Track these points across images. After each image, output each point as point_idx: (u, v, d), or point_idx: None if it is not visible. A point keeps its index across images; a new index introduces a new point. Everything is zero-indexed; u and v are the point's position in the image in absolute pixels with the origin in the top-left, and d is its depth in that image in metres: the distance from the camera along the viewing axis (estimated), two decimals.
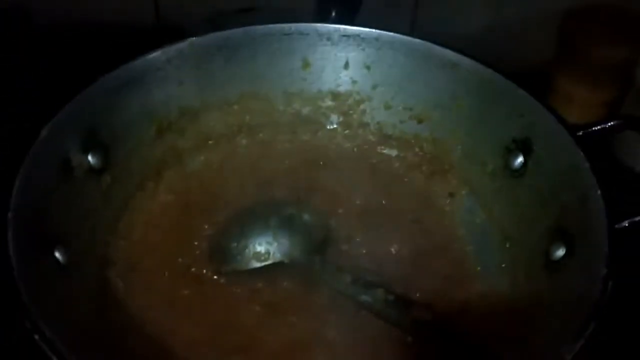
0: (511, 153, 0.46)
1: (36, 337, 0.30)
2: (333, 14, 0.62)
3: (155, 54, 0.48)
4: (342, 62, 0.53)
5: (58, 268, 0.38)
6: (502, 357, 0.36)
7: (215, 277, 0.45)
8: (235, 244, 0.45)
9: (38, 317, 0.31)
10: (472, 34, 0.71)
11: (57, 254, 0.38)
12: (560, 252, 0.39)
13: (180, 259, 0.46)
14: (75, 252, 0.40)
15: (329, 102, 0.54)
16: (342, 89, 0.54)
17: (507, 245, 0.45)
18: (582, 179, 0.40)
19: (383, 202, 0.51)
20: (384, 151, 0.54)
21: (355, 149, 0.55)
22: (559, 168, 0.43)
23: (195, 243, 0.47)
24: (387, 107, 0.53)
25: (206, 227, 0.48)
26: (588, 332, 0.32)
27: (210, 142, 0.53)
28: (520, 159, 0.46)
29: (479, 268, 0.46)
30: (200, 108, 0.52)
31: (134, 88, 0.47)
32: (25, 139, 0.41)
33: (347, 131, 0.55)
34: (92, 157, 0.44)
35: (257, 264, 0.44)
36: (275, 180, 0.52)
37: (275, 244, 0.44)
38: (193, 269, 0.45)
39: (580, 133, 0.42)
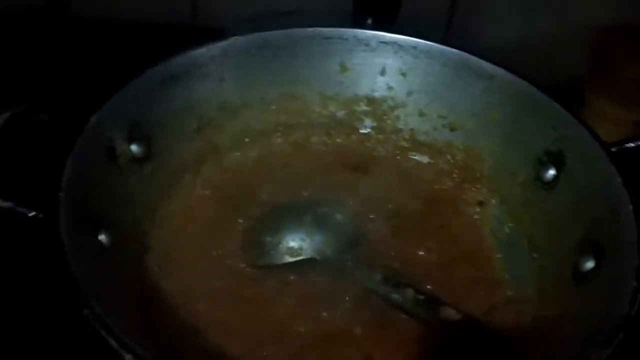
0: (543, 165, 0.47)
1: (86, 311, 0.31)
2: (369, 21, 0.64)
3: (199, 51, 0.50)
4: (379, 68, 0.54)
5: (102, 250, 0.39)
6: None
7: (248, 269, 0.46)
8: (269, 239, 0.46)
9: (88, 292, 0.32)
10: (503, 47, 0.71)
11: (101, 237, 0.40)
12: (590, 264, 0.40)
13: (215, 251, 0.47)
14: (117, 236, 0.41)
15: (364, 107, 0.55)
16: (377, 94, 0.55)
17: (535, 255, 0.46)
18: (614, 193, 0.41)
19: (413, 207, 0.52)
20: (416, 157, 0.55)
21: (387, 154, 0.56)
22: (590, 182, 0.43)
23: (230, 236, 0.48)
24: (421, 114, 0.54)
25: (241, 221, 0.49)
26: (616, 341, 0.33)
27: (246, 139, 0.54)
28: (552, 172, 0.46)
29: (506, 276, 0.47)
30: (239, 106, 0.53)
31: (177, 82, 0.49)
32: (75, 126, 0.42)
33: (380, 136, 0.56)
34: (136, 146, 0.46)
35: (290, 259, 0.45)
36: (309, 180, 0.53)
37: (308, 241, 0.46)
38: (227, 261, 0.46)
39: (614, 149, 0.43)
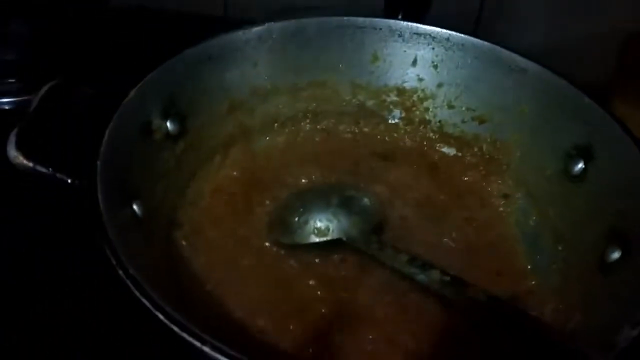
0: (572, 158, 0.47)
1: (120, 272, 0.32)
2: (400, 15, 0.64)
3: (235, 34, 0.51)
4: (411, 59, 0.54)
5: (135, 220, 0.40)
6: (553, 340, 0.37)
7: (274, 249, 0.46)
8: (296, 219, 0.47)
9: (122, 254, 0.33)
10: (530, 49, 0.72)
11: (134, 207, 0.41)
12: (616, 255, 0.40)
13: (241, 230, 0.48)
14: (149, 208, 0.42)
15: (393, 97, 0.56)
16: (407, 85, 0.55)
17: (560, 247, 0.46)
18: None
19: (439, 197, 0.52)
20: (443, 149, 0.56)
21: (415, 145, 0.56)
22: (619, 176, 0.43)
23: (257, 216, 0.49)
24: (450, 106, 0.55)
25: (267, 202, 0.50)
26: None
27: (276, 124, 0.55)
28: (580, 165, 0.46)
29: (529, 266, 0.47)
30: (270, 90, 0.54)
31: (213, 64, 0.50)
32: (115, 101, 0.43)
33: (408, 127, 0.57)
34: (170, 123, 0.47)
35: (316, 239, 0.46)
36: (336, 167, 0.54)
37: (335, 222, 0.46)
38: (253, 240, 0.47)
39: None
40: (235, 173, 0.52)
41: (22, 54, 0.72)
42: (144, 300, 0.31)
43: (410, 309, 0.43)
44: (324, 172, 0.53)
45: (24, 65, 0.71)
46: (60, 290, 0.47)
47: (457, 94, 0.54)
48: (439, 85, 0.55)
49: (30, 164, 0.38)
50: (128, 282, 0.32)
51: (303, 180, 0.52)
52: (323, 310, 0.43)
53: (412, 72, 0.55)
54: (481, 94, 0.53)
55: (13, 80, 0.69)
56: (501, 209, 0.51)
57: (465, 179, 0.54)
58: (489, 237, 0.49)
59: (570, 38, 0.74)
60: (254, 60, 0.52)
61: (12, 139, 0.39)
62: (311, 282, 0.45)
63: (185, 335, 0.30)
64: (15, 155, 0.38)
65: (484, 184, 0.53)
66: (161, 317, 0.30)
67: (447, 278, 0.41)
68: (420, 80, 0.55)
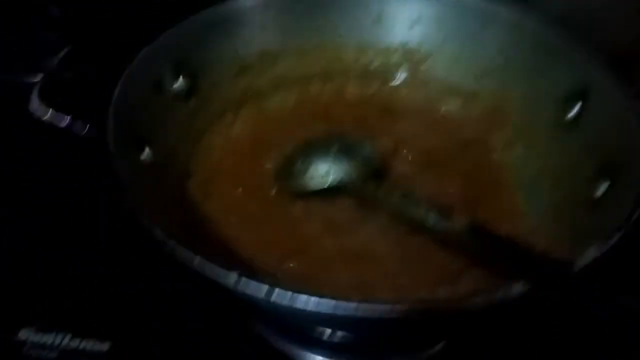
0: (568, 104, 0.48)
1: (127, 198, 0.36)
2: None
3: None
4: (415, 16, 0.56)
5: (146, 165, 0.44)
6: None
7: (280, 197, 0.49)
8: (298, 166, 0.49)
9: (135, 195, 0.36)
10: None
11: (146, 152, 0.44)
12: (604, 188, 0.41)
13: (250, 181, 0.51)
14: (162, 155, 0.46)
15: (398, 56, 0.58)
16: (411, 43, 0.57)
17: (555, 191, 0.47)
18: (634, 128, 0.42)
19: (441, 149, 0.54)
20: (447, 104, 0.57)
21: (419, 102, 0.58)
22: (612, 117, 0.44)
23: (266, 169, 0.52)
24: (454, 62, 0.56)
25: (275, 157, 0.53)
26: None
27: (284, 85, 0.58)
28: (576, 110, 0.48)
29: (526, 211, 0.48)
30: (278, 52, 0.57)
31: (222, 27, 0.53)
32: (127, 59, 0.47)
33: (413, 84, 0.58)
34: (181, 81, 0.50)
35: (317, 184, 0.48)
36: (343, 124, 0.56)
37: (335, 167, 0.49)
38: (262, 190, 0.50)
39: None
40: (245, 130, 0.55)
41: (61, 35, 0.77)
42: (157, 232, 0.34)
43: (410, 247, 0.45)
44: (331, 129, 0.55)
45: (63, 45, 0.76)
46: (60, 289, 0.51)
47: (459, 50, 0.56)
48: (442, 42, 0.56)
49: (51, 114, 0.42)
50: (132, 207, 0.35)
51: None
52: (326, 248, 0.45)
53: (415, 31, 0.57)
54: (482, 48, 0.54)
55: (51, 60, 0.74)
56: (502, 158, 0.52)
57: (468, 131, 0.55)
58: (488, 186, 0.51)
59: (592, 4, 0.73)
60: (261, 24, 0.55)
61: (35, 92, 0.43)
62: (314, 225, 0.47)
63: (180, 250, 0.32)
64: (37, 105, 0.42)
65: (486, 135, 0.54)
66: (159, 237, 0.33)
67: (434, 209, 0.43)
68: (425, 37, 0.57)
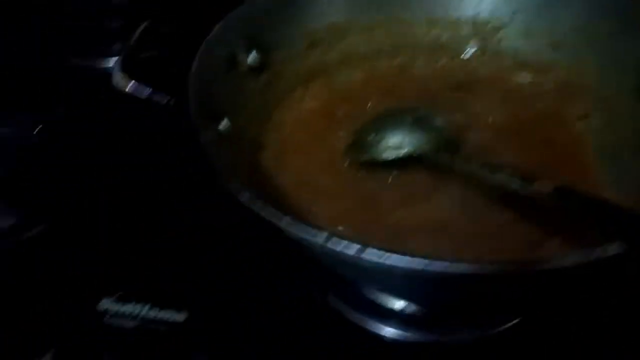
0: None
1: (210, 162, 0.36)
2: None
3: None
4: None
5: (222, 134, 0.45)
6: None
7: (353, 168, 0.49)
8: (371, 137, 0.49)
9: (212, 153, 0.37)
10: None
11: (222, 124, 0.45)
12: None
13: (322, 155, 0.51)
14: (236, 128, 0.46)
15: (468, 29, 0.57)
16: (481, 16, 0.56)
17: (636, 159, 0.46)
18: None
19: (515, 121, 0.53)
20: (519, 77, 0.56)
21: (490, 75, 0.57)
22: None
23: (337, 143, 0.52)
24: (525, 34, 0.55)
25: (347, 130, 0.53)
26: None
27: (353, 60, 0.58)
28: None
29: (607, 181, 0.47)
30: (347, 27, 0.57)
31: (292, 2, 0.53)
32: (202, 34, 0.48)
33: (484, 57, 0.57)
34: (253, 57, 0.51)
35: (391, 155, 0.48)
36: (412, 99, 0.55)
37: (409, 138, 0.48)
38: (333, 163, 0.50)
39: None
40: (315, 106, 0.55)
41: (125, 22, 0.80)
42: (231, 186, 0.35)
43: (487, 218, 0.45)
44: (400, 104, 0.55)
45: (128, 32, 0.78)
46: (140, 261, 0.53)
47: (531, 21, 0.55)
48: (513, 14, 0.55)
49: (133, 86, 0.43)
50: (217, 171, 0.36)
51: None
52: (401, 217, 0.45)
53: (485, 3, 0.56)
54: (555, 18, 0.53)
55: (118, 45, 0.77)
56: (579, 129, 0.51)
57: (542, 104, 0.54)
58: (566, 157, 0.50)
59: None
60: None
61: (117, 65, 0.44)
62: (388, 197, 0.47)
63: (269, 210, 0.33)
64: (120, 77, 0.43)
65: (561, 107, 0.53)
66: (246, 199, 0.34)
67: (517, 175, 0.42)
68: (494, 9, 0.56)
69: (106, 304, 0.50)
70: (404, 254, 0.29)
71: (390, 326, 0.48)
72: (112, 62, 0.75)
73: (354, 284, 0.49)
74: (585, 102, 0.52)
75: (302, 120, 0.54)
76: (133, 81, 0.43)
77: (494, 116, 0.53)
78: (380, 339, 0.47)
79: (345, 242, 0.30)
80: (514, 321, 0.47)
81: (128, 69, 0.44)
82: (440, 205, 0.46)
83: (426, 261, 0.29)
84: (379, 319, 0.48)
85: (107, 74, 0.72)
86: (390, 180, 0.48)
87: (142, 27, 0.47)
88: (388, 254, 0.29)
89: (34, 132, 0.57)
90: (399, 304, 0.49)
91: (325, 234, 0.31)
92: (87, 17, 0.80)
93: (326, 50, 0.56)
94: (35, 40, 0.77)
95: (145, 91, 0.43)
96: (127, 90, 0.43)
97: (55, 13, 0.78)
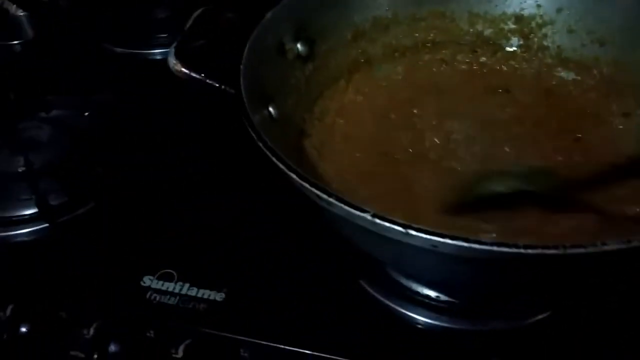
0: None
1: (260, 144, 0.38)
2: None
3: None
4: None
5: (270, 119, 0.46)
6: None
7: (395, 156, 0.50)
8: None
9: (261, 135, 0.39)
10: None
11: (270, 109, 0.47)
12: None
13: (363, 144, 0.52)
14: (282, 114, 0.48)
15: (511, 25, 0.58)
16: (526, 12, 0.57)
17: None
18: None
19: (555, 119, 0.53)
20: (562, 74, 0.56)
21: (532, 72, 0.57)
22: None
23: (378, 134, 0.53)
24: (570, 30, 0.55)
25: (393, 117, 0.54)
26: None
27: (396, 53, 0.59)
28: None
29: None
30: (391, 20, 0.58)
31: None
32: (253, 24, 0.50)
33: (526, 54, 0.58)
34: (301, 46, 0.53)
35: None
36: (452, 96, 0.56)
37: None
38: (376, 152, 0.51)
39: None
40: (358, 97, 0.56)
41: (171, 12, 0.82)
42: (280, 165, 0.36)
43: None
44: (442, 101, 0.56)
45: (173, 22, 0.81)
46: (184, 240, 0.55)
47: (577, 18, 0.55)
48: (558, 10, 0.56)
49: (187, 71, 0.45)
50: (267, 152, 0.37)
51: (414, 111, 0.55)
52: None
53: None
54: (601, 15, 0.53)
55: (165, 35, 0.79)
56: (621, 126, 0.51)
57: (584, 101, 0.54)
58: (609, 155, 0.50)
59: None
60: None
61: (172, 51, 0.46)
62: (429, 183, 0.48)
63: (314, 189, 0.34)
64: (174, 63, 0.45)
65: (603, 104, 0.53)
66: (294, 177, 0.35)
67: None
68: (539, 6, 0.56)
69: (148, 281, 0.51)
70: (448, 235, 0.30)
71: (423, 312, 0.49)
72: (157, 51, 0.77)
73: (386, 270, 0.50)
74: (628, 100, 0.52)
75: (344, 110, 0.55)
76: (186, 70, 0.44)
77: (534, 115, 0.53)
78: (413, 324, 0.48)
79: (389, 225, 0.32)
80: (545, 314, 0.48)
81: (182, 56, 0.46)
82: None
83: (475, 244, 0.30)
84: (412, 305, 0.49)
85: (152, 61, 0.76)
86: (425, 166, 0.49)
87: (195, 14, 0.49)
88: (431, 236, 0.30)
89: (85, 114, 0.59)
90: (432, 292, 0.49)
91: (371, 212, 0.32)
92: (136, 8, 0.83)
93: (370, 42, 0.58)
94: (85, 30, 0.80)
95: (199, 77, 0.44)
96: (181, 75, 0.45)
97: (108, 5, 0.82)
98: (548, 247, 0.30)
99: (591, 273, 0.39)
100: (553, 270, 0.35)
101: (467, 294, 0.48)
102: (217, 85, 0.45)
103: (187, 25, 0.48)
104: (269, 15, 0.49)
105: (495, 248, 0.29)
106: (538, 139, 0.52)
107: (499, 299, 0.48)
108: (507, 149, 0.51)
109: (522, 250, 0.29)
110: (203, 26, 0.49)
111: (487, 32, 0.58)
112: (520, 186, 0.46)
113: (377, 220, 0.31)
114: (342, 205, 0.33)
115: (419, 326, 0.48)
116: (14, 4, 0.79)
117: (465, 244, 0.30)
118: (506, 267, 0.35)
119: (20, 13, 0.80)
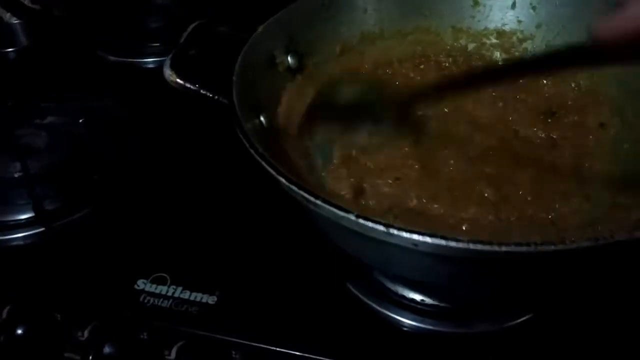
0: None
1: (252, 151, 0.40)
2: None
3: None
4: (510, 2, 0.59)
5: (261, 127, 0.48)
6: None
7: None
8: None
9: (252, 142, 0.40)
10: None
11: (261, 118, 0.49)
12: None
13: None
14: (273, 122, 0.50)
15: (493, 40, 0.60)
16: (507, 27, 0.60)
17: None
18: None
19: (532, 128, 0.55)
20: (542, 86, 0.58)
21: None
22: None
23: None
24: (549, 45, 0.58)
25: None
26: None
27: (381, 67, 0.61)
28: None
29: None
30: (378, 35, 0.60)
31: (327, 10, 0.57)
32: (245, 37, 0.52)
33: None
34: (291, 58, 0.55)
35: None
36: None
37: None
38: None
39: None
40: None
41: (164, 22, 0.84)
42: (269, 169, 0.38)
43: None
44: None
45: (166, 31, 0.83)
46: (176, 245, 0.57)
47: (555, 33, 0.57)
48: (538, 26, 0.58)
49: (182, 82, 0.47)
50: (258, 158, 0.39)
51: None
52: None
53: (511, 15, 0.59)
54: (579, 31, 0.55)
55: (157, 44, 0.81)
56: (596, 137, 0.53)
57: (561, 113, 0.56)
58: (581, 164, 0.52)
59: None
60: (364, 7, 0.59)
61: (168, 62, 0.48)
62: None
63: (302, 192, 0.36)
64: (169, 74, 0.47)
65: (580, 115, 0.55)
66: (283, 181, 0.37)
67: None
68: (520, 22, 0.59)
69: (142, 284, 0.53)
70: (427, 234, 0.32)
71: (408, 315, 0.50)
72: (149, 59, 0.79)
73: (373, 274, 0.52)
74: (604, 111, 0.54)
75: None
76: (181, 81, 0.46)
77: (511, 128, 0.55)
78: (398, 327, 0.50)
79: (371, 225, 0.33)
80: (528, 316, 0.50)
81: (177, 66, 0.47)
82: None
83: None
84: (398, 308, 0.51)
85: (145, 69, 0.78)
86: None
87: (190, 27, 0.51)
88: (411, 234, 0.32)
89: (80, 121, 0.60)
90: (417, 295, 0.51)
91: (355, 213, 0.34)
92: (129, 17, 0.85)
93: (357, 56, 0.59)
94: (79, 38, 0.82)
95: (193, 87, 0.46)
96: (176, 85, 0.47)
97: (102, 14, 0.84)
98: (520, 244, 0.31)
99: (567, 272, 0.40)
100: (530, 268, 0.37)
101: (452, 297, 0.50)
102: (211, 95, 0.47)
103: (183, 38, 0.50)
104: (260, 29, 0.51)
105: (470, 246, 0.31)
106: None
107: (483, 301, 0.50)
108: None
109: (495, 248, 0.31)
110: (197, 39, 0.51)
111: (471, 46, 0.61)
112: None
113: (361, 221, 0.33)
114: (328, 206, 0.34)
115: (405, 329, 0.50)
116: (7, 12, 0.81)
117: (444, 242, 0.32)
118: (486, 266, 0.37)
119: (14, 21, 0.81)
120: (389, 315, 0.51)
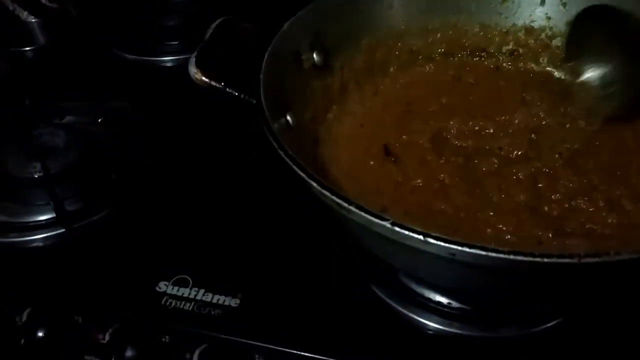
0: None
1: (281, 152, 0.39)
2: None
3: None
4: None
5: (288, 127, 0.47)
6: None
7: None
8: None
9: (281, 143, 0.39)
10: None
11: (287, 117, 0.47)
12: None
13: (373, 150, 0.53)
14: (299, 121, 0.49)
15: (521, 37, 0.59)
16: (535, 24, 0.58)
17: None
18: None
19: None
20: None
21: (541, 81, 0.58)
22: None
23: (387, 142, 0.54)
24: None
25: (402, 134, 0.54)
26: None
27: (408, 64, 0.60)
28: None
29: None
30: (404, 31, 0.59)
31: (353, 6, 0.56)
32: (271, 34, 0.50)
33: (535, 64, 0.59)
34: (317, 56, 0.53)
35: None
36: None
37: None
38: (382, 162, 0.52)
39: None
40: (367, 107, 0.57)
41: (182, 20, 0.83)
42: (300, 173, 0.37)
43: None
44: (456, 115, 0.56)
45: (183, 29, 0.82)
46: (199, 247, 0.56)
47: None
48: (567, 23, 0.56)
49: (207, 80, 0.46)
50: (287, 160, 0.38)
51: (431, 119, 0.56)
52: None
53: (540, 12, 0.58)
54: None
55: (175, 43, 0.80)
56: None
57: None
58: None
59: None
60: (389, 3, 0.57)
61: (192, 59, 0.47)
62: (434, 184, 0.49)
63: (335, 197, 0.35)
64: (195, 72, 0.46)
65: None
66: (315, 185, 0.36)
67: None
68: (549, 18, 0.57)
69: (163, 286, 0.52)
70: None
71: (434, 319, 0.49)
72: (167, 58, 0.78)
73: (398, 277, 0.51)
74: None
75: (354, 118, 0.56)
76: (207, 79, 0.45)
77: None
78: (423, 330, 0.49)
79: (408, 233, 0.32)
80: (556, 321, 0.48)
81: (202, 64, 0.46)
82: None
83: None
84: (423, 311, 0.50)
85: (163, 67, 0.77)
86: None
87: (215, 23, 0.50)
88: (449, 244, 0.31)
89: (99, 121, 0.60)
90: (444, 298, 0.50)
91: (390, 220, 0.33)
92: (146, 15, 0.84)
93: (384, 52, 0.58)
94: (96, 36, 0.81)
95: (218, 86, 0.45)
96: (201, 84, 0.45)
97: (120, 13, 0.83)
98: (563, 257, 0.30)
99: (604, 281, 0.39)
100: (567, 277, 0.36)
101: (480, 301, 0.49)
102: (237, 94, 0.46)
103: (207, 35, 0.49)
104: (286, 26, 0.50)
105: (511, 257, 0.30)
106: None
107: (511, 305, 0.49)
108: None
109: (537, 259, 0.30)
110: (222, 35, 0.50)
111: (498, 42, 0.59)
112: None
113: (397, 228, 0.32)
114: (362, 213, 0.33)
115: (430, 332, 0.49)
116: (25, 10, 0.80)
117: (483, 253, 0.30)
118: (522, 275, 0.36)
119: (32, 19, 0.81)
120: (414, 318, 0.50)
